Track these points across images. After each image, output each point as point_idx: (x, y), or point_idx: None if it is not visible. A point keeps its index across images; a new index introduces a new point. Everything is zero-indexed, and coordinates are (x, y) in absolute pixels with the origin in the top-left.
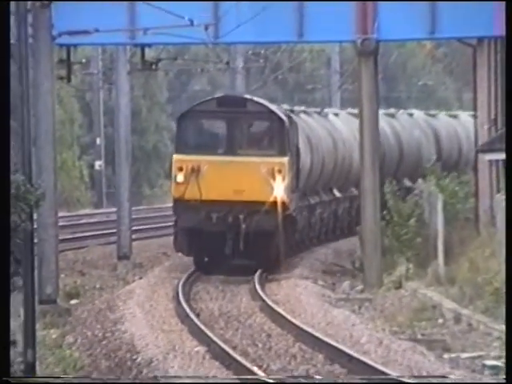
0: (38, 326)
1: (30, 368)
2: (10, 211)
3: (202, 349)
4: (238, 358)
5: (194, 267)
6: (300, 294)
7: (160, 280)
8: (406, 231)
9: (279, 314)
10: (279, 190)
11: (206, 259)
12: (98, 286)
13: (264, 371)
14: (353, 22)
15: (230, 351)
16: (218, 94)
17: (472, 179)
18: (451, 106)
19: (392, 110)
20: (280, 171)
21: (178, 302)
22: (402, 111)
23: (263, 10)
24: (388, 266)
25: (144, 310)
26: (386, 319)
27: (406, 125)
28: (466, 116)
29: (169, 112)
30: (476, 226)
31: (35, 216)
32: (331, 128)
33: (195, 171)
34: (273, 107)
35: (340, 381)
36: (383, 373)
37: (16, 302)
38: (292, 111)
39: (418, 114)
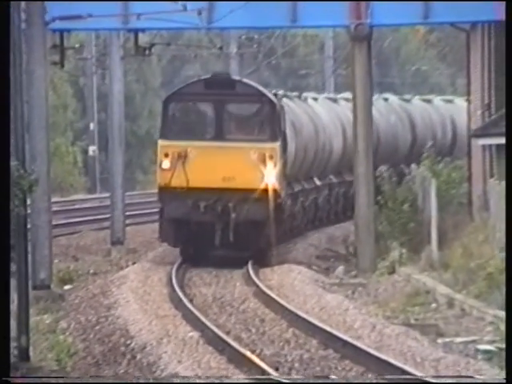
0: (31, 311)
1: (24, 353)
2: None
3: (195, 334)
4: (232, 343)
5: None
6: (294, 280)
7: (154, 265)
8: (399, 216)
9: (273, 299)
10: (270, 177)
11: (194, 250)
12: (91, 271)
13: (257, 356)
14: (346, 7)
15: (224, 336)
16: (206, 76)
17: (465, 164)
18: (445, 92)
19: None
20: (271, 157)
21: (172, 288)
22: (376, 96)
23: None
24: (381, 252)
25: (138, 295)
26: (380, 304)
27: (383, 110)
28: (438, 101)
29: (162, 97)
30: (469, 211)
31: (28, 201)
32: (312, 113)
33: (182, 157)
34: (263, 89)
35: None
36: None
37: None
38: (275, 95)
39: (392, 98)
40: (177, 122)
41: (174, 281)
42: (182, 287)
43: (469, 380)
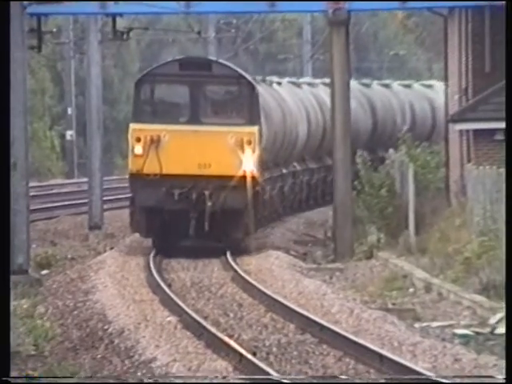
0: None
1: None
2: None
3: (173, 319)
4: (210, 327)
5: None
6: (271, 264)
7: (131, 250)
8: (377, 201)
9: (251, 284)
10: (249, 164)
11: (167, 241)
12: (69, 256)
13: (235, 341)
14: None
15: (202, 321)
16: (180, 56)
17: (443, 149)
18: (422, 76)
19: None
20: (249, 142)
21: (150, 273)
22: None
23: None
24: (359, 236)
25: (115, 280)
26: (357, 289)
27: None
28: (397, 86)
29: None
30: (447, 195)
31: None
32: (279, 98)
33: (155, 142)
34: (241, 71)
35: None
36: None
37: None
38: None
39: (352, 83)
40: (150, 105)
41: (151, 266)
42: (159, 272)
43: (469, 380)
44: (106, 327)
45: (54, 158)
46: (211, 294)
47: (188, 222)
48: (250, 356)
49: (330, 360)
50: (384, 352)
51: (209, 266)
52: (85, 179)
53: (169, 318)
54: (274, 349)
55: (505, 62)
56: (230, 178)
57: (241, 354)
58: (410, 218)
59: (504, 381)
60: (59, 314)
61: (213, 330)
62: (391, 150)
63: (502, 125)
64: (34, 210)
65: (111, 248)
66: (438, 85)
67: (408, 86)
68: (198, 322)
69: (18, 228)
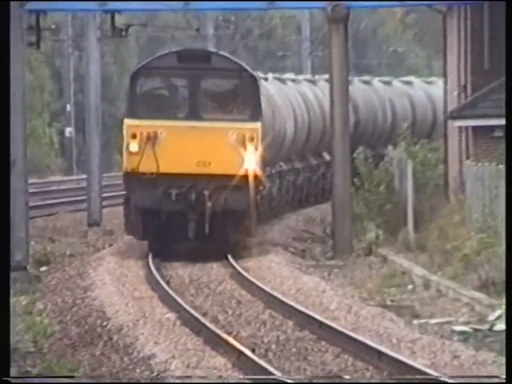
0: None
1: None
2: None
3: (172, 315)
4: (208, 324)
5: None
6: (270, 261)
7: (130, 247)
8: (376, 198)
9: (249, 280)
10: (251, 162)
11: (164, 244)
12: (68, 252)
13: (234, 337)
14: None
15: (201, 318)
16: (178, 48)
17: (441, 146)
18: (422, 73)
19: (310, 77)
20: (252, 139)
21: (149, 269)
22: (317, 77)
23: None
24: (358, 233)
25: (114, 277)
26: (356, 286)
27: (327, 92)
28: (377, 82)
29: None
30: (445, 192)
31: None
32: (267, 95)
33: (151, 139)
34: (243, 63)
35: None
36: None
37: None
38: None
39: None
40: (146, 99)
41: (150, 262)
42: (158, 269)
43: (469, 380)
44: (104, 324)
45: (53, 154)
46: (210, 291)
47: (186, 224)
48: (248, 353)
49: (329, 357)
50: (382, 349)
51: (207, 263)
52: (84, 176)
53: (167, 315)
54: (273, 346)
55: (505, 61)
56: (232, 177)
57: (240, 351)
58: (408, 215)
59: (504, 381)
60: (58, 310)
61: (211, 326)
62: (390, 147)
63: (501, 121)
64: (33, 206)
65: (110, 245)
66: (440, 81)
67: (388, 83)
68: (197, 319)
69: (17, 225)
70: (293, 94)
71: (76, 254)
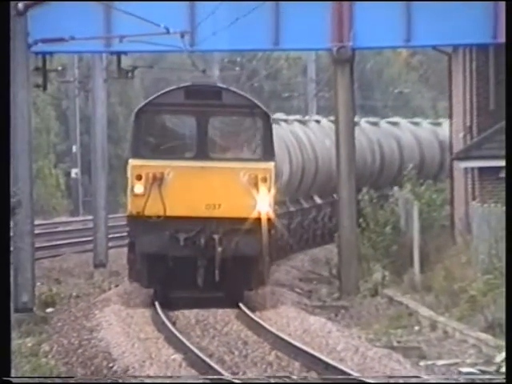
0: (14, 334)
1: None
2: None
3: (178, 356)
4: (215, 365)
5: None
6: (276, 302)
7: (136, 288)
8: (382, 239)
9: (255, 321)
10: (264, 204)
11: (171, 292)
12: (74, 294)
13: (241, 380)
14: (329, 30)
15: (207, 359)
16: (185, 83)
17: (447, 187)
18: (427, 114)
19: (298, 117)
20: (265, 180)
21: (155, 311)
22: (307, 117)
23: (239, 19)
24: (364, 274)
25: (120, 317)
26: (362, 327)
27: (318, 133)
28: (364, 123)
29: None
30: (452, 233)
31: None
32: None
33: (157, 180)
34: (254, 100)
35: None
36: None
37: None
38: None
39: (324, 121)
40: (151, 138)
41: (156, 303)
42: (164, 310)
43: (468, 380)
44: (110, 365)
45: (59, 195)
46: (216, 332)
47: (195, 271)
48: None
49: None
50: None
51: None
52: (90, 217)
53: (173, 356)
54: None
55: (505, 64)
56: (243, 220)
57: None
58: (414, 256)
59: (504, 381)
60: (64, 352)
61: (218, 367)
62: (396, 188)
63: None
64: (39, 247)
65: (116, 286)
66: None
67: (438, 124)
68: (203, 360)
69: (23, 266)
70: (287, 136)
71: (82, 295)
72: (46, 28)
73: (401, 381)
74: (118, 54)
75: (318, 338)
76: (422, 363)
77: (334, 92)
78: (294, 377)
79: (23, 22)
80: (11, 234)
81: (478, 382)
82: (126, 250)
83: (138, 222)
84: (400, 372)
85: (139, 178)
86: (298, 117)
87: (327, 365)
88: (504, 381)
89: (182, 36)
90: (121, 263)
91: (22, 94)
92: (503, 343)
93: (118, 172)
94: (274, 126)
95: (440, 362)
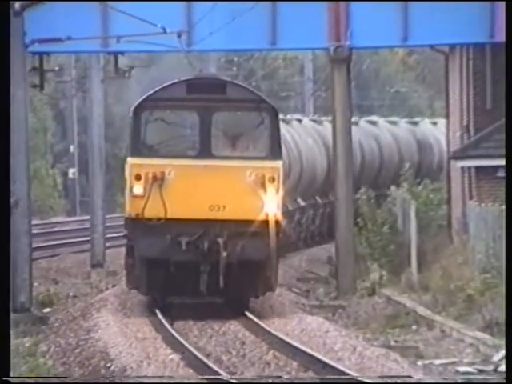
0: (11, 334)
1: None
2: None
3: (175, 356)
4: (212, 365)
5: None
6: (274, 302)
7: None
8: (379, 238)
9: (253, 321)
10: (272, 206)
11: (173, 300)
12: (71, 294)
13: (238, 379)
14: (326, 30)
15: (204, 359)
16: (188, 77)
17: (444, 186)
18: (423, 114)
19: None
20: (273, 179)
21: (152, 310)
22: (288, 116)
23: (235, 19)
24: (362, 273)
25: (118, 318)
26: (360, 326)
27: (300, 132)
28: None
29: None
30: (449, 233)
31: None
32: None
33: (158, 180)
34: (261, 94)
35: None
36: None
37: None
38: None
39: (305, 120)
40: (151, 135)
41: (157, 311)
42: (162, 309)
43: (468, 380)
44: (108, 365)
45: (57, 195)
46: (213, 332)
47: (198, 277)
48: None
49: None
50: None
51: (211, 304)
52: (87, 217)
53: (171, 356)
54: (270, 380)
55: (505, 63)
56: (250, 222)
57: None
58: (412, 255)
59: (504, 381)
60: (61, 352)
61: (215, 367)
62: (393, 187)
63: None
64: (36, 248)
65: (113, 286)
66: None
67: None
68: (201, 360)
69: (20, 266)
70: (283, 136)
71: (79, 295)
72: (43, 28)
73: (399, 381)
74: (115, 53)
75: (315, 337)
76: (419, 362)
77: (331, 91)
78: (286, 376)
79: (20, 22)
80: None
81: (478, 382)
82: (123, 249)
83: (137, 224)
84: (398, 371)
85: (138, 177)
86: (280, 116)
87: (325, 364)
88: (504, 381)
89: (179, 36)
90: (118, 263)
91: (18, 94)
92: (501, 342)
93: (115, 172)
94: None
95: (437, 362)
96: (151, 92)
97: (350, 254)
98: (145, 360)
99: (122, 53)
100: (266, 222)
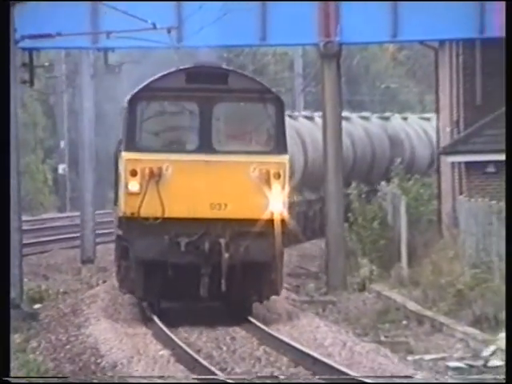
0: None
1: None
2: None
3: (166, 352)
4: (202, 361)
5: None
6: None
7: None
8: (369, 233)
9: (243, 316)
10: (277, 203)
11: (170, 304)
12: (61, 290)
13: (228, 374)
14: (315, 25)
15: (195, 354)
16: (187, 65)
17: (434, 181)
18: (414, 109)
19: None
20: (278, 175)
21: (142, 306)
22: None
23: (226, 14)
24: (352, 268)
25: (108, 313)
26: (350, 321)
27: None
28: (318, 117)
29: None
30: (439, 228)
31: None
32: None
33: (155, 176)
34: (265, 84)
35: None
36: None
37: None
38: None
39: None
40: (148, 128)
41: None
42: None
43: (468, 380)
44: (98, 361)
45: (47, 191)
46: (204, 327)
47: (198, 280)
48: None
49: None
50: None
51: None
52: (77, 213)
53: (161, 352)
54: (268, 380)
55: (504, 63)
56: (253, 222)
57: None
58: (402, 251)
59: (504, 381)
60: (52, 348)
61: (205, 363)
62: (383, 183)
63: (494, 157)
64: (27, 244)
65: (104, 282)
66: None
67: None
68: (191, 356)
69: (11, 262)
70: None
71: (70, 291)
72: (33, 24)
73: (398, 381)
74: (105, 50)
75: (305, 333)
76: (409, 358)
77: (321, 87)
78: (277, 372)
79: (10, 17)
80: None
81: (478, 382)
82: (113, 246)
83: (133, 224)
84: (388, 366)
85: (134, 173)
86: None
87: (315, 360)
88: (504, 381)
89: (169, 31)
90: (108, 259)
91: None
92: (490, 337)
93: (105, 167)
94: None
95: (427, 357)
96: (148, 81)
97: (340, 249)
98: (135, 356)
99: (112, 49)
100: (270, 221)
